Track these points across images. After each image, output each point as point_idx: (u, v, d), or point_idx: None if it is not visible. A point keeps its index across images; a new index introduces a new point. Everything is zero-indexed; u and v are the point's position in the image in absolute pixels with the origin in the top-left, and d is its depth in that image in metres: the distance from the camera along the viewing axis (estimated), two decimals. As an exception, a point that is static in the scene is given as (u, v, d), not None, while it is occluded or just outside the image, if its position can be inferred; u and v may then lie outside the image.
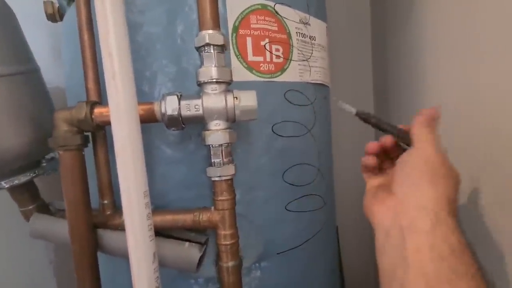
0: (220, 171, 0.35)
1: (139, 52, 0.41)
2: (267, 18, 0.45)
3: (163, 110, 0.34)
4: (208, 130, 0.35)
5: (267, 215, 0.45)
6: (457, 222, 0.27)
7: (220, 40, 0.34)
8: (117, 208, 0.40)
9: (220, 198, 0.36)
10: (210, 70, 0.34)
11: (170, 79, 0.41)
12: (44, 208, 0.42)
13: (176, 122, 0.34)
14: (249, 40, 0.43)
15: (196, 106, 0.34)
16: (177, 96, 0.34)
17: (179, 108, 0.34)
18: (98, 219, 0.38)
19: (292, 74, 0.48)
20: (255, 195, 0.45)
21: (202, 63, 0.35)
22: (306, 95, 0.50)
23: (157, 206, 0.42)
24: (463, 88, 0.44)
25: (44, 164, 0.41)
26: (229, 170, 0.35)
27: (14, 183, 0.38)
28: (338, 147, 0.72)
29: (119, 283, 0.46)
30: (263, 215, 0.45)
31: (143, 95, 0.41)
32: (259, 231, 0.45)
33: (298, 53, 0.49)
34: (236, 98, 0.34)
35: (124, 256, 0.39)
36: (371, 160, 0.36)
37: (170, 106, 0.33)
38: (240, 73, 0.43)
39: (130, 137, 0.28)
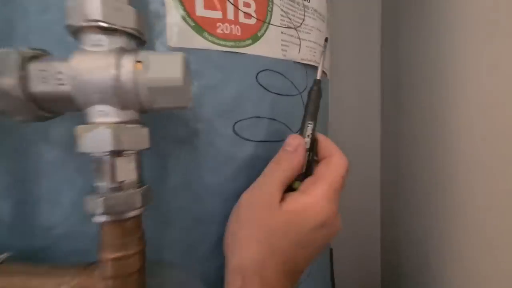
0: (104, 206, 0.18)
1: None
2: (231, -48, 0.28)
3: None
4: (83, 124, 0.18)
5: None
6: None
7: None
8: None
9: (107, 255, 0.19)
10: (87, 3, 0.17)
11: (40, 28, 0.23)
12: None
13: (20, 105, 0.17)
14: (199, -17, 0.26)
15: (59, 75, 0.17)
16: (20, 54, 0.17)
17: (25, 77, 0.17)
18: None
19: (270, 46, 0.31)
20: (202, 234, 0.28)
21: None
22: (292, 80, 0.33)
23: (33, 247, 0.25)
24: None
25: None
26: (129, 201, 0.18)
27: None
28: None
29: None
30: (216, 262, 0.28)
31: None
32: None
33: (282, 16, 0.32)
34: (141, 63, 0.17)
35: None
36: None
37: (4, 73, 0.16)
38: (182, 35, 0.26)
39: None
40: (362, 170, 0.73)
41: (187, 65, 0.19)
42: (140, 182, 0.20)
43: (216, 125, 0.28)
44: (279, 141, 0.31)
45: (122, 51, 0.18)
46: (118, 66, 0.17)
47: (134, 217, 0.19)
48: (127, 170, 0.19)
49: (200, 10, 0.27)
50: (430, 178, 0.48)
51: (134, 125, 0.18)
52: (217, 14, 0.27)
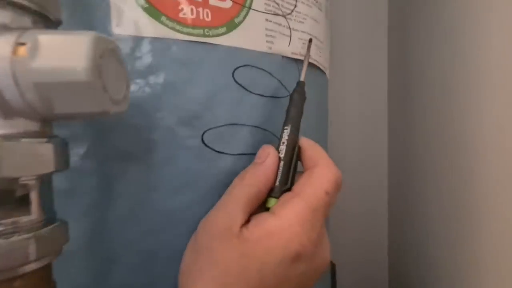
0: None
1: None
2: None
3: None
4: None
5: None
6: None
7: None
8: None
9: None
10: None
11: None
12: None
13: None
14: (154, -47, 0.21)
15: None
16: None
17: None
18: None
19: (251, 36, 0.25)
20: (157, 275, 0.21)
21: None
22: (280, 79, 0.27)
23: None
24: None
25: None
26: (15, 252, 0.12)
27: None
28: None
29: None
30: None
31: None
32: None
33: (266, 1, 0.26)
34: (24, 46, 0.11)
35: None
36: None
37: None
38: (132, 20, 0.20)
39: None
40: (368, 174, 0.67)
41: (109, 51, 0.13)
42: (46, 220, 0.14)
43: (178, 135, 0.22)
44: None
45: (2, 29, 0.12)
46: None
47: (29, 273, 0.13)
48: (22, 206, 0.13)
49: (157, -11, 0.21)
50: (443, 182, 0.42)
51: (28, 140, 0.13)
52: (179, -6, 0.21)
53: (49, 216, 0.14)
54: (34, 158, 0.12)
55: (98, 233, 0.20)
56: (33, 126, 0.13)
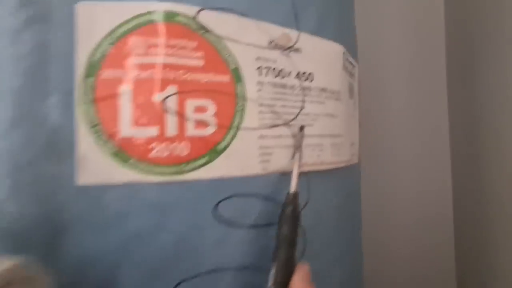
0: None
1: None
2: (176, 43, 0.20)
3: None
4: None
5: None
6: None
7: None
8: None
9: None
10: None
11: None
12: None
13: None
14: (125, 92, 0.19)
15: None
16: None
17: None
18: None
19: (239, 160, 0.21)
20: None
21: None
22: (279, 201, 0.23)
23: None
24: None
25: None
26: None
27: None
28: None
29: None
30: None
31: None
32: None
33: (262, 112, 0.22)
34: None
35: None
36: None
37: None
38: (96, 169, 0.19)
39: None
40: (433, 209, 0.58)
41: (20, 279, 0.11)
42: None
43: (146, 291, 0.19)
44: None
45: None
46: None
47: None
48: None
49: (127, 130, 0.19)
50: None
51: None
52: (151, 132, 0.19)
53: None
54: None
55: None
56: None
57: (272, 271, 0.19)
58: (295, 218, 0.20)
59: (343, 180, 0.29)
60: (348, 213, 0.31)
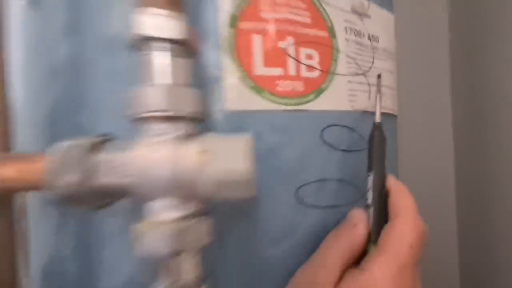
0: None
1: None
2: (292, 3, 0.26)
3: (52, 174, 0.16)
4: (143, 221, 0.16)
5: None
6: None
7: (175, 31, 0.16)
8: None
9: None
10: (149, 93, 0.16)
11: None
12: None
13: (83, 197, 0.16)
14: (257, 40, 0.25)
15: (123, 168, 0.16)
16: (85, 147, 0.16)
17: (90, 170, 0.16)
18: None
19: (336, 98, 0.27)
20: None
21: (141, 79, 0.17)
22: (361, 133, 0.29)
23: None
24: None
25: None
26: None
27: None
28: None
29: None
30: None
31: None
32: None
33: (349, 63, 0.29)
34: (205, 154, 0.15)
35: None
36: None
37: (66, 168, 0.16)
38: (240, 97, 0.24)
39: None
40: (435, 219, 0.64)
41: (251, 148, 0.17)
42: (200, 281, 0.17)
43: (277, 192, 0.25)
44: (348, 204, 0.27)
45: (185, 138, 0.16)
46: (181, 157, 0.15)
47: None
48: (186, 270, 0.17)
49: (259, 69, 0.25)
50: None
51: (197, 219, 0.16)
52: (277, 71, 0.25)
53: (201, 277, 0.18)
54: (200, 234, 0.16)
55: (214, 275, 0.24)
56: (198, 207, 0.17)
57: (370, 178, 0.25)
58: (381, 144, 0.26)
59: (393, 126, 0.36)
60: (391, 159, 0.37)
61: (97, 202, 0.17)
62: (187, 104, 0.16)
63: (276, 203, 0.25)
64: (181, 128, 0.16)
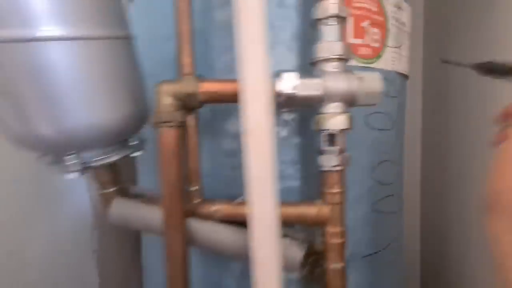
0: (337, 160, 0.31)
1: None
2: (368, -3, 0.41)
3: (278, 89, 0.30)
4: (325, 113, 0.31)
5: (356, 215, 0.42)
6: None
7: (344, 12, 0.31)
8: (204, 196, 0.36)
9: (331, 190, 0.32)
10: (333, 45, 0.30)
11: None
12: (124, 192, 0.38)
13: (293, 102, 0.30)
14: (350, 20, 0.39)
15: (316, 86, 0.30)
16: (296, 73, 0.30)
17: (297, 86, 0.30)
18: (185, 208, 0.35)
19: (386, 61, 0.43)
20: (347, 193, 0.41)
21: (319, 38, 0.31)
22: (394, 86, 0.46)
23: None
24: None
25: (132, 143, 0.37)
26: (345, 160, 0.32)
27: (105, 162, 0.33)
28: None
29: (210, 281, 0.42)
30: (352, 214, 0.41)
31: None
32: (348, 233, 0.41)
33: (392, 39, 0.44)
34: (360, 79, 0.30)
35: (216, 252, 0.34)
36: None
37: (287, 84, 0.30)
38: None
39: (264, 118, 0.24)
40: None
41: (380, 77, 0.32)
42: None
43: (354, 118, 0.41)
44: (387, 129, 0.44)
45: (348, 71, 0.31)
46: (348, 81, 0.30)
47: (344, 169, 0.32)
48: (343, 141, 0.32)
49: (351, 39, 0.39)
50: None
51: (350, 114, 0.32)
52: (360, 41, 0.40)
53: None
54: (349, 124, 0.32)
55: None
56: (346, 109, 0.32)
57: None
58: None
59: (405, 85, 0.53)
60: (401, 113, 0.55)
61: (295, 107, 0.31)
62: (347, 52, 0.31)
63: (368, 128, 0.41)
64: (343, 66, 0.31)
